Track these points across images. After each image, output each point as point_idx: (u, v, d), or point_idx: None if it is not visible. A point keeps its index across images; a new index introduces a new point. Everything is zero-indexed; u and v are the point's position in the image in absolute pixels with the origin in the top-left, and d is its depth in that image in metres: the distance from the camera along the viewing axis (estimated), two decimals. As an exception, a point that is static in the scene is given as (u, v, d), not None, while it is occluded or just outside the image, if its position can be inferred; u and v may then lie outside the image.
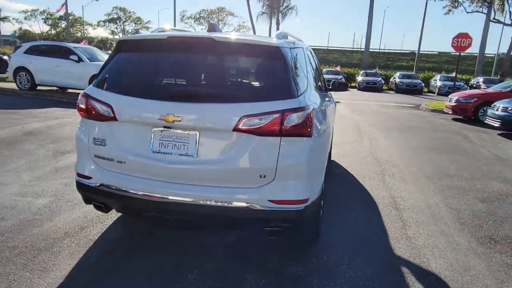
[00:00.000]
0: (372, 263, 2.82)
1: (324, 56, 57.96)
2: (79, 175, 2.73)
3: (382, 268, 2.77)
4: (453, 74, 24.45)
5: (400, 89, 25.61)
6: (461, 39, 16.55)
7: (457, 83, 21.36)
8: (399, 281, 2.61)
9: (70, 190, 4.00)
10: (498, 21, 21.89)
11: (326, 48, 66.80)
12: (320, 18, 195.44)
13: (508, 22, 21.25)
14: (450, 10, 23.07)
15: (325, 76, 24.41)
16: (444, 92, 23.33)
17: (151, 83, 2.74)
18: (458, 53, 17.61)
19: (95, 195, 2.69)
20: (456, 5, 22.90)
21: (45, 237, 2.99)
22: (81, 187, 2.73)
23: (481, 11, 22.49)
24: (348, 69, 32.42)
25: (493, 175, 5.52)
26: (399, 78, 26.86)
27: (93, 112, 2.60)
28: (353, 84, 27.61)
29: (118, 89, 2.59)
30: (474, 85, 24.06)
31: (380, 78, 26.86)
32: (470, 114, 12.01)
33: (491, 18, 22.03)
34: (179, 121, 2.32)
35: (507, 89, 12.09)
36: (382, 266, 2.80)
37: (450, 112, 12.81)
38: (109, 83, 2.69)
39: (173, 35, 2.59)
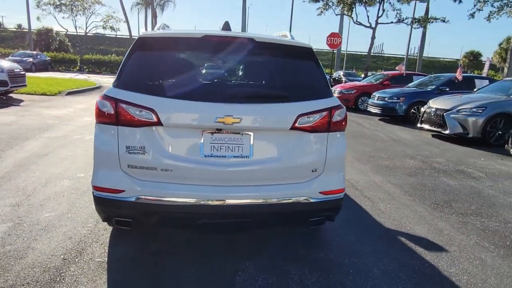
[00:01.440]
0: (375, 237, 3.23)
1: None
2: (101, 189, 2.37)
3: (385, 239, 3.20)
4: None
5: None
6: (334, 38, 18.90)
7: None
8: (404, 247, 3.07)
9: (24, 211, 3.34)
10: (360, 23, 25.70)
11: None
12: (197, 12, 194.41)
13: (367, 25, 25.18)
14: (322, 12, 26.00)
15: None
16: None
17: (198, 84, 2.54)
18: (332, 50, 20.07)
19: (128, 210, 2.37)
20: (327, 7, 25.93)
21: (43, 268, 2.49)
22: (105, 202, 2.37)
23: (346, 13, 25.98)
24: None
25: (401, 153, 6.69)
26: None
27: (127, 118, 2.29)
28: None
29: (160, 92, 2.33)
30: (337, 78, 27.65)
31: None
32: (352, 103, 13.94)
33: (355, 21, 25.71)
34: (238, 122, 2.26)
35: (377, 82, 14.43)
36: (384, 237, 3.24)
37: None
38: (145, 85, 2.41)
39: (209, 34, 2.44)
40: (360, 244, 3.10)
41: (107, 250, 2.78)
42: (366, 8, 24.44)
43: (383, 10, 24.12)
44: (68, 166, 4.80)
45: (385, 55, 66.37)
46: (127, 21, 35.92)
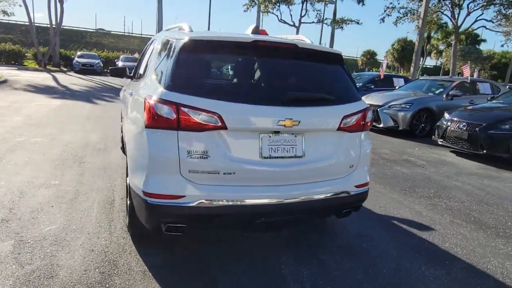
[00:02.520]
0: (375, 223, 3.63)
1: (99, 40, 53.32)
2: (158, 196, 2.28)
3: (383, 224, 3.62)
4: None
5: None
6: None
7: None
8: (401, 230, 3.52)
9: (18, 227, 2.98)
10: (285, 22, 26.75)
11: (97, 31, 61.56)
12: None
13: (291, 23, 26.34)
14: (248, 8, 26.40)
15: (127, 64, 23.60)
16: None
17: (255, 88, 2.56)
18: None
19: (187, 215, 2.34)
20: (253, 4, 26.42)
21: (86, 284, 2.32)
22: (162, 209, 2.28)
23: (272, 12, 26.75)
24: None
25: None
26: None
27: (190, 122, 2.24)
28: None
29: (222, 96, 2.32)
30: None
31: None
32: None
33: (279, 19, 26.67)
34: (297, 125, 2.38)
35: None
36: (381, 223, 3.65)
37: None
38: (203, 89, 2.39)
39: (258, 39, 2.49)
40: (366, 230, 3.46)
41: (141, 259, 2.67)
42: (289, 7, 25.65)
43: (306, 10, 25.62)
44: (34, 173, 4.31)
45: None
46: (25, 5, 31.81)
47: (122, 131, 4.57)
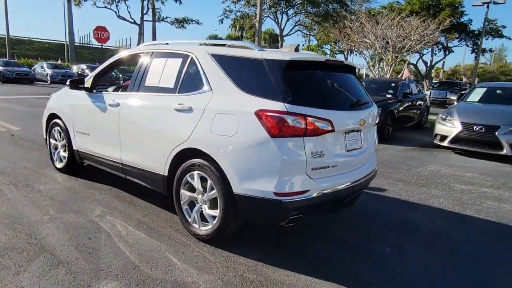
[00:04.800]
0: (373, 203, 4.35)
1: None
2: (290, 194, 2.65)
3: (382, 205, 4.32)
4: (58, 62, 25.48)
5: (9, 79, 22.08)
6: (101, 32, 17.96)
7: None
8: (393, 207, 4.21)
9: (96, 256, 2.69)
10: (124, 18, 24.76)
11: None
12: None
13: (131, 20, 24.68)
14: (80, 2, 23.18)
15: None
16: (58, 80, 23.70)
17: (341, 97, 3.03)
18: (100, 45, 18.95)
19: (311, 207, 2.77)
20: (85, -1, 23.48)
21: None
22: (293, 204, 2.68)
23: (109, 7, 24.33)
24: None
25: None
26: (2, 66, 23.12)
27: (313, 129, 2.67)
28: None
29: (328, 105, 2.82)
30: (80, 72, 26.19)
31: None
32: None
33: (118, 15, 24.51)
34: (364, 124, 3.12)
35: None
36: (380, 203, 4.33)
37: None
38: (313, 100, 2.82)
39: (328, 59, 3.08)
40: (388, 215, 4.12)
41: (244, 257, 2.92)
42: (126, 4, 24.21)
43: (148, 8, 24.72)
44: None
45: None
46: None
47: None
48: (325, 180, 2.87)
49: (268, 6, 23.06)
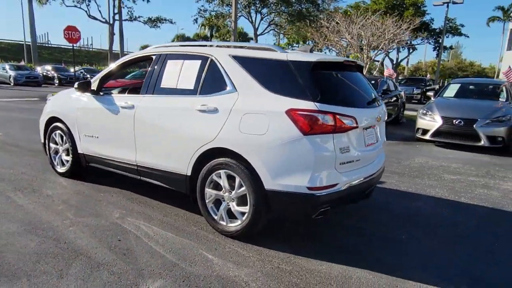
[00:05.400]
0: (377, 195, 4.59)
1: None
2: (321, 188, 2.81)
3: (386, 196, 4.62)
4: (22, 63, 24.75)
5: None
6: (72, 32, 17.35)
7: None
8: (395, 198, 4.51)
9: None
10: (95, 18, 23.87)
11: None
12: None
13: (103, 20, 23.84)
14: (46, 1, 22.11)
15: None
16: (22, 82, 22.92)
17: (360, 95, 3.20)
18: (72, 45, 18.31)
19: (338, 199, 2.94)
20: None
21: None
22: (324, 198, 2.84)
23: (79, 6, 23.38)
24: None
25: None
26: None
27: (341, 126, 2.84)
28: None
29: (351, 103, 3.03)
30: (45, 73, 25.30)
31: None
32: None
33: (89, 15, 23.61)
34: (380, 120, 3.33)
35: (139, 79, 15.10)
36: (384, 194, 4.60)
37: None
38: (338, 99, 3.00)
39: (346, 59, 3.29)
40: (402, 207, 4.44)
41: (275, 249, 3.05)
42: (96, 2, 23.50)
43: (121, 7, 24.06)
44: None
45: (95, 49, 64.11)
46: None
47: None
48: (350, 173, 3.05)
49: (244, 6, 23.17)
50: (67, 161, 4.69)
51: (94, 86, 4.27)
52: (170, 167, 3.54)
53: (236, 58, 3.29)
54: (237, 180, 3.11)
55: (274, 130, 2.91)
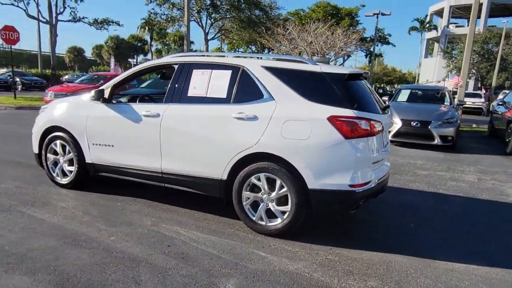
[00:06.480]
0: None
1: None
2: (361, 185, 3.18)
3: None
4: None
5: None
6: (9, 32, 15.93)
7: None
8: (389, 193, 5.15)
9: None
10: (34, 17, 21.76)
11: None
12: None
13: (43, 20, 21.86)
14: None
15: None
16: None
17: (376, 101, 3.60)
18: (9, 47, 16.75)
19: (370, 194, 3.35)
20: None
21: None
22: (362, 193, 3.23)
23: (16, 5, 21.11)
24: None
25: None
26: None
27: (374, 130, 3.23)
28: None
29: (376, 110, 3.44)
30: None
31: None
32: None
33: (27, 14, 21.45)
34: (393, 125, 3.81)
35: (90, 84, 14.44)
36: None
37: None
38: (366, 106, 3.34)
39: (365, 71, 3.66)
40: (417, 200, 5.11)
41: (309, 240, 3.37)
42: (36, 1, 21.59)
43: (64, 8, 22.39)
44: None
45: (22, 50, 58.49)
46: None
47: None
48: (377, 171, 3.48)
49: (197, 11, 23.07)
50: (70, 171, 4.54)
51: (106, 94, 4.23)
52: (203, 172, 3.68)
53: (269, 69, 3.55)
54: (278, 182, 3.37)
55: (316, 135, 3.23)
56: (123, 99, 4.67)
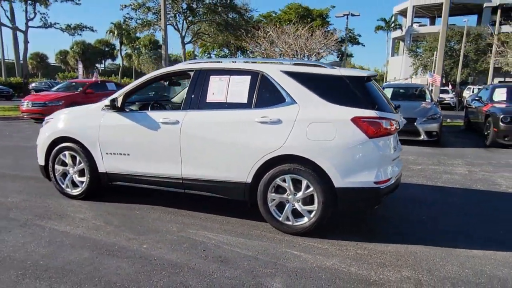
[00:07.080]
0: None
1: None
2: (383, 181, 3.35)
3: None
4: None
5: None
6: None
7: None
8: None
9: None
10: (4, 24, 20.67)
11: None
12: None
13: (10, 26, 20.84)
14: None
15: None
16: None
17: (389, 102, 3.75)
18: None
19: (391, 190, 3.56)
20: None
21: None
22: (385, 190, 3.40)
23: None
24: None
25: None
26: None
27: (392, 129, 3.42)
28: None
29: (390, 110, 3.58)
30: None
31: None
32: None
33: None
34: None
35: (79, 91, 14.11)
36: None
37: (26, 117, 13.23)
38: (382, 107, 3.49)
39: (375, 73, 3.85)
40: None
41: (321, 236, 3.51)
42: (3, 8, 20.64)
43: (35, 14, 21.52)
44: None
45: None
46: None
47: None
48: (395, 168, 3.67)
49: (173, 15, 22.82)
50: (82, 182, 4.47)
51: (118, 103, 4.20)
52: (228, 177, 3.74)
53: (288, 73, 3.66)
54: (304, 182, 3.49)
55: (341, 135, 3.37)
56: (134, 107, 4.65)
